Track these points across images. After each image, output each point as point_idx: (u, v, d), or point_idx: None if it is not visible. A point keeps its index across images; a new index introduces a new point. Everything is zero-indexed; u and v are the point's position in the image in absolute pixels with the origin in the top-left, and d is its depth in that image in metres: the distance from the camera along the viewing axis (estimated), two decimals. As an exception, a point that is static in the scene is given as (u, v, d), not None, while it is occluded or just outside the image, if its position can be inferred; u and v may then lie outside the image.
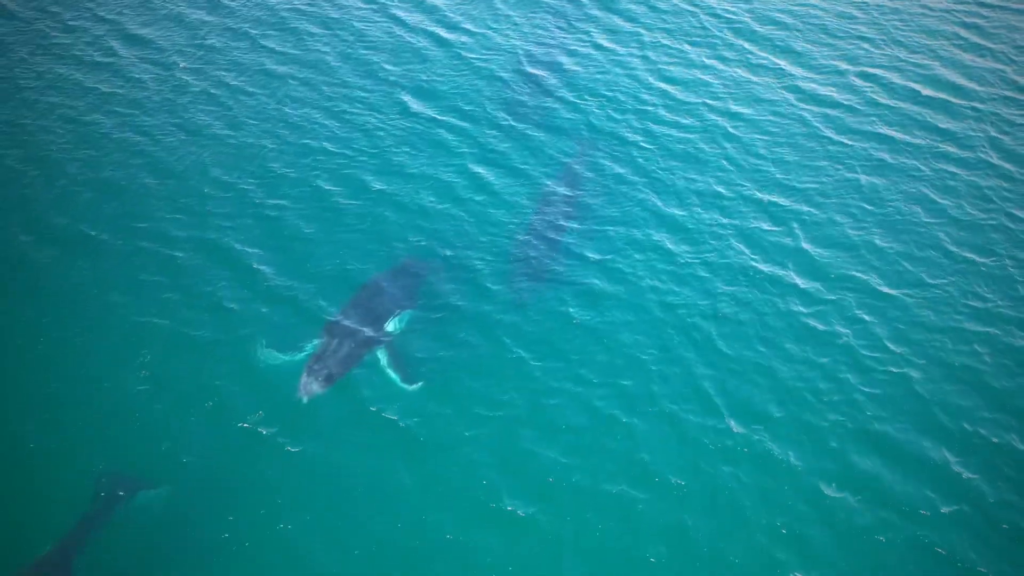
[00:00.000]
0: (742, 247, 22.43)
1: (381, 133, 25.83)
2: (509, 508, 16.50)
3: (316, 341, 19.50)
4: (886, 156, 26.05)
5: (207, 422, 18.20)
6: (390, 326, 20.10)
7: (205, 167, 24.20)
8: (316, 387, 18.83)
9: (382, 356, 19.39)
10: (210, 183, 23.65)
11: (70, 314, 20.17)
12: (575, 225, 23.00)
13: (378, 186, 23.85)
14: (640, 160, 25.30)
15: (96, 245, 21.70)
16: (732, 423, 18.12)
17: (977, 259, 22.55)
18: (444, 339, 19.90)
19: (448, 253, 21.94)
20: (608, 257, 21.99)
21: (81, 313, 20.17)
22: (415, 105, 27.07)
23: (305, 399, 18.51)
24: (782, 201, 24.07)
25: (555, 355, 19.42)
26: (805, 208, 23.86)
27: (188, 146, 24.93)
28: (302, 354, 19.26)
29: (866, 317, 20.60)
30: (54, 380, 18.70)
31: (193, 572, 15.81)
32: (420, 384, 18.79)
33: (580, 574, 15.73)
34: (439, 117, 26.64)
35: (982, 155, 26.29)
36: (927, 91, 28.98)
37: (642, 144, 25.92)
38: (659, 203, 23.71)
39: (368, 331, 19.86)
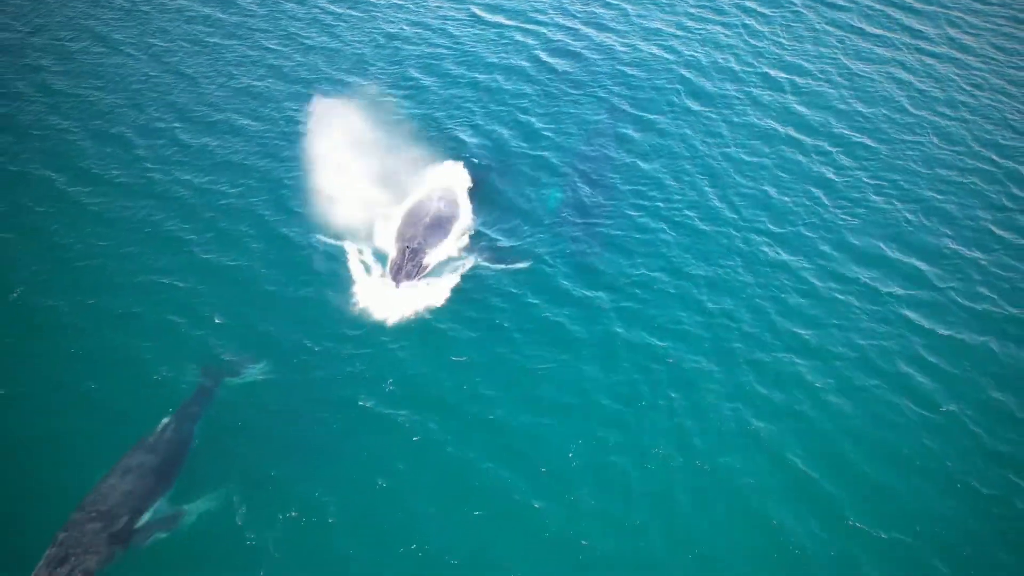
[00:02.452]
0: (750, 109, 29.32)
1: (459, 36, 32.22)
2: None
3: (403, 229, 22.77)
4: (862, 43, 33.04)
5: (296, 308, 21.11)
6: (474, 219, 24.20)
7: (317, 69, 30.19)
8: (410, 274, 21.51)
9: (475, 243, 23.38)
10: (323, 81, 29.60)
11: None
12: (625, 91, 29.75)
13: (459, 73, 30.18)
14: (675, 45, 32.27)
15: (230, 124, 27.21)
16: (741, 231, 24.57)
17: (936, 120, 29.30)
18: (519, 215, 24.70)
19: (522, 120, 28.24)
20: (650, 115, 28.70)
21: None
22: (487, 15, 33.47)
23: (398, 287, 21.61)
24: (781, 75, 30.98)
25: (617, 174, 26.09)
26: (799, 79, 30.84)
27: (301, 57, 30.80)
28: (388, 242, 22.88)
29: (844, 160, 27.38)
30: (162, 271, 22.01)
31: (288, 440, 18.42)
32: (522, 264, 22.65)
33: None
34: (508, 23, 33.14)
35: (940, 48, 32.99)
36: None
37: (676, 35, 32.93)
38: (689, 77, 30.57)
39: (458, 220, 23.46)
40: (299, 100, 28.62)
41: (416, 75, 30.04)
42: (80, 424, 18.43)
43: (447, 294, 21.74)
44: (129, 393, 19.02)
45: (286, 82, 29.50)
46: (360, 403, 19.17)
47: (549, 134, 27.61)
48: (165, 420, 18.28)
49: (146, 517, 16.91)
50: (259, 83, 29.37)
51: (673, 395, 19.62)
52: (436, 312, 21.36)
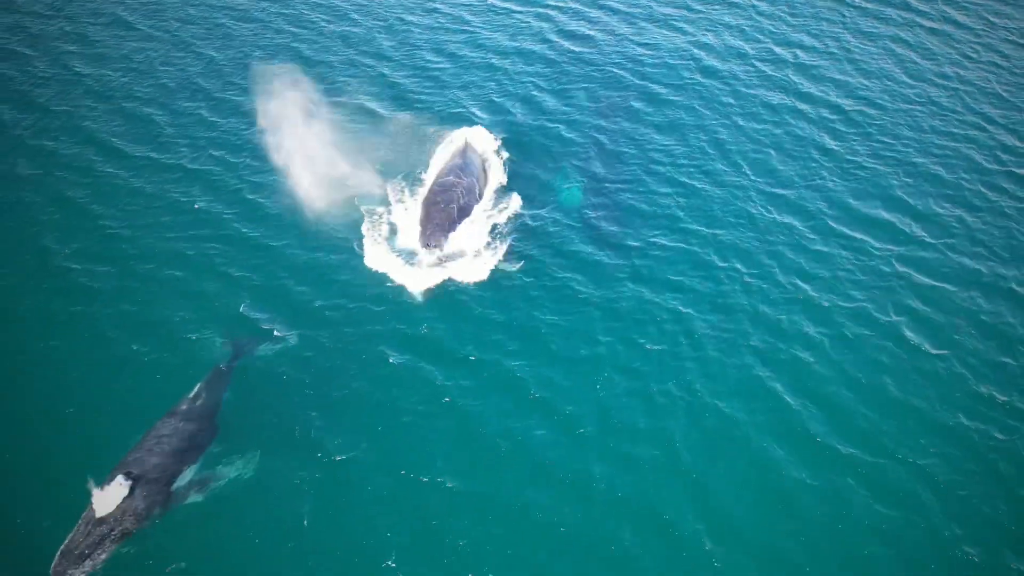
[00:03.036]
0: (756, 81, 30.85)
1: (474, 20, 33.51)
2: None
3: (421, 207, 23.70)
4: (861, 18, 34.61)
5: (326, 272, 22.02)
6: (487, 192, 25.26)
7: (334, 50, 31.26)
8: (435, 248, 22.28)
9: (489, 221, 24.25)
10: (341, 60, 30.77)
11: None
12: (638, 68, 31.13)
13: (475, 54, 31.50)
14: (685, 26, 33.84)
15: (250, 102, 27.83)
16: (747, 193, 25.92)
17: (931, 91, 30.63)
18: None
19: (538, 96, 29.54)
20: (661, 89, 30.17)
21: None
22: (500, 2, 34.88)
23: (424, 258, 22.43)
24: (785, 50, 32.56)
25: (631, 143, 27.58)
26: (802, 53, 32.39)
27: (319, 38, 31.98)
28: (413, 216, 23.77)
29: (843, 127, 28.80)
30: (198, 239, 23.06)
31: (319, 395, 19.28)
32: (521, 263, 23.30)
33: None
34: (519, 8, 34.48)
35: (935, 23, 34.40)
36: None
37: (686, 15, 34.59)
38: (699, 54, 32.08)
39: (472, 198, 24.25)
40: (320, 80, 29.61)
41: (432, 56, 31.23)
42: (117, 386, 19.03)
43: (472, 258, 22.78)
44: (164, 356, 19.76)
45: (305, 63, 30.49)
46: (389, 358, 20.10)
47: (566, 108, 28.97)
48: (200, 381, 18.75)
49: (184, 476, 17.12)
50: (278, 63, 30.36)
51: (683, 341, 20.98)
52: (461, 273, 22.36)
